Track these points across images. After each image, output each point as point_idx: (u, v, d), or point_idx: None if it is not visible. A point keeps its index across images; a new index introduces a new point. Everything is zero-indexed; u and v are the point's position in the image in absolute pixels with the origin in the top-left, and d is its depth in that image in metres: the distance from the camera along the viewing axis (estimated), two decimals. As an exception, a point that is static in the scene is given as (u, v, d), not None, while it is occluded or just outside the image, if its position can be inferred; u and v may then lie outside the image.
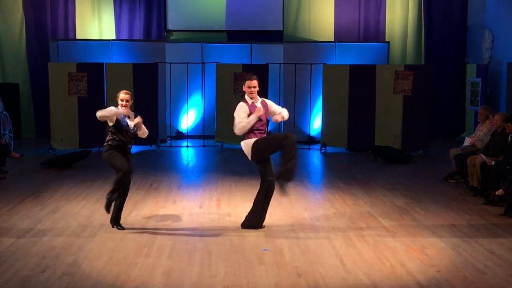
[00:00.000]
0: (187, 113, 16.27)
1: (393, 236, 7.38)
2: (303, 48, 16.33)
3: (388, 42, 16.72)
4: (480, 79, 15.28)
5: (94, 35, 16.86)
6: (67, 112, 14.01)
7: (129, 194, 9.54)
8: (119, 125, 7.49)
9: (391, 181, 10.87)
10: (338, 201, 9.31)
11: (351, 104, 14.32)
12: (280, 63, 15.57)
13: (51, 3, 16.73)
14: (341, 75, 14.40)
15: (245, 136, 7.52)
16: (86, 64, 14.50)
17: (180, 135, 16.27)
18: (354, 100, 14.32)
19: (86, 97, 14.07)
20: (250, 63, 16.20)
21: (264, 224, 7.71)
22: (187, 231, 7.57)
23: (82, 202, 9.13)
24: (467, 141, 10.78)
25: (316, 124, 15.83)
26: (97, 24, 16.95)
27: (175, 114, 16.43)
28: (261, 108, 7.47)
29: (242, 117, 7.48)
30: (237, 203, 9.15)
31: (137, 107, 14.40)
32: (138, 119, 7.59)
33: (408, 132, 14.00)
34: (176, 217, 8.27)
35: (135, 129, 7.64)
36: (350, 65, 14.62)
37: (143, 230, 7.60)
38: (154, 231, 7.55)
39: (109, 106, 7.79)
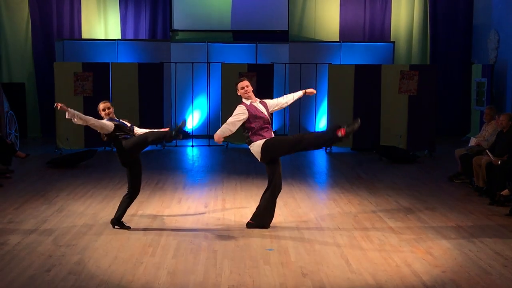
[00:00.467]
0: (192, 112, 16.29)
1: (398, 236, 7.37)
2: (308, 48, 16.33)
3: (394, 42, 16.71)
4: (486, 79, 15.25)
5: (100, 35, 16.90)
6: (72, 111, 14.02)
7: (134, 194, 9.61)
8: (121, 128, 7.50)
9: (396, 181, 10.86)
10: (343, 201, 9.30)
11: (356, 104, 14.32)
12: (285, 63, 15.57)
13: (57, 2, 16.79)
14: (347, 75, 14.39)
15: (252, 138, 7.43)
16: (92, 64, 14.54)
17: (186, 135, 16.25)
18: (359, 100, 14.31)
19: (92, 97, 14.10)
20: (255, 63, 16.21)
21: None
22: (192, 230, 7.58)
23: (88, 201, 9.15)
24: (473, 141, 10.76)
25: (321, 124, 15.82)
26: (102, 23, 16.99)
27: (180, 114, 16.44)
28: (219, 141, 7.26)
29: (234, 119, 7.38)
30: (242, 202, 9.16)
31: (142, 107, 14.54)
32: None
33: (413, 132, 13.99)
34: (181, 217, 8.27)
35: (133, 127, 7.66)
36: (356, 65, 14.62)
37: (148, 229, 7.61)
38: (159, 230, 7.56)
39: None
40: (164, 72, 14.96)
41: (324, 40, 17.03)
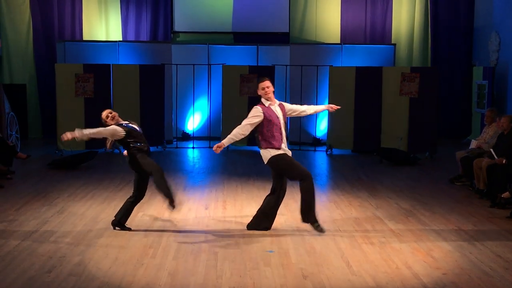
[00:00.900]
0: (193, 114, 16.29)
1: (399, 238, 7.37)
2: (309, 50, 16.34)
3: (395, 44, 16.71)
4: (487, 81, 15.25)
5: (101, 36, 16.92)
6: (73, 113, 14.04)
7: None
8: (132, 133, 7.43)
9: (397, 183, 10.86)
10: (344, 203, 9.30)
11: (357, 106, 14.32)
12: (286, 65, 15.58)
13: (58, 4, 16.80)
14: (348, 77, 14.39)
15: (261, 143, 7.37)
16: (93, 65, 14.55)
17: (186, 137, 16.29)
18: (360, 102, 14.31)
19: (93, 98, 14.12)
20: (256, 64, 16.22)
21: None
22: (193, 232, 7.58)
23: (89, 202, 9.15)
24: (474, 144, 10.75)
25: (322, 126, 15.82)
26: (104, 25, 17.01)
27: (181, 116, 16.45)
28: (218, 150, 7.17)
29: (248, 121, 7.36)
30: (243, 204, 9.16)
31: (143, 109, 14.55)
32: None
33: (414, 134, 13.98)
34: (182, 218, 8.27)
35: (141, 131, 7.64)
36: (357, 67, 14.62)
37: (149, 231, 7.61)
38: (160, 232, 7.56)
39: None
40: (165, 73, 14.96)
41: (325, 42, 17.03)
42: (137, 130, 7.53)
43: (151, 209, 8.75)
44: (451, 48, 17.23)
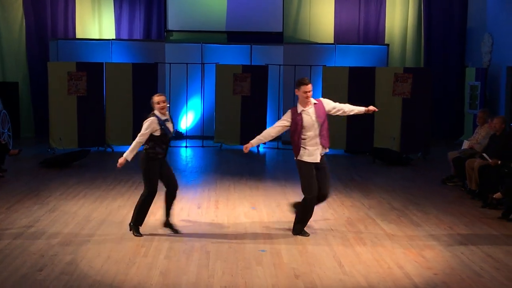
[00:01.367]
0: (186, 113, 16.28)
1: (391, 238, 7.39)
2: (302, 49, 16.35)
3: (388, 45, 16.75)
4: (479, 82, 15.30)
5: (94, 35, 16.88)
6: (66, 111, 14.01)
7: (127, 194, 9.61)
8: (165, 135, 7.28)
9: (390, 183, 10.88)
10: (337, 202, 9.31)
11: (350, 106, 14.31)
12: (279, 65, 15.59)
13: (51, 2, 16.75)
14: (341, 77, 14.41)
15: (292, 143, 7.36)
16: (86, 64, 14.52)
17: (179, 136, 16.28)
18: (353, 102, 14.23)
19: (85, 96, 14.09)
20: (250, 64, 16.22)
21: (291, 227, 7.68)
22: (185, 231, 7.57)
23: (81, 201, 9.13)
24: (466, 144, 10.79)
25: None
26: (97, 23, 16.97)
27: (175, 115, 16.42)
28: None
29: (279, 123, 7.41)
30: (235, 203, 9.16)
31: (136, 107, 14.52)
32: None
33: (407, 135, 14.01)
34: (174, 217, 8.25)
35: (173, 134, 7.52)
36: (350, 67, 14.64)
37: (140, 229, 7.60)
38: (152, 231, 7.55)
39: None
40: (159, 72, 14.94)
41: (319, 42, 17.05)
42: (167, 134, 7.32)
43: (144, 208, 8.72)
44: (444, 49, 17.28)
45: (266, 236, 7.42)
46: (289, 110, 7.45)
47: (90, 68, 14.29)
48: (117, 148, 14.41)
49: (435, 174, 11.59)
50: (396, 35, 17.29)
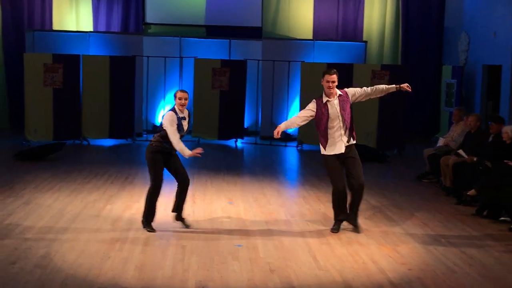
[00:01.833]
0: (163, 107, 16.20)
1: (366, 234, 7.43)
2: (281, 45, 16.36)
3: (366, 42, 16.83)
4: (456, 80, 15.45)
5: (71, 27, 16.71)
6: (41, 103, 13.87)
7: (103, 187, 9.54)
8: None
9: (366, 180, 10.89)
10: (313, 198, 9.35)
11: (328, 102, 14.35)
12: (258, 60, 15.58)
13: (28, -8, 16.54)
14: (319, 73, 14.28)
15: (319, 136, 7.35)
16: (62, 56, 14.37)
17: (157, 130, 16.17)
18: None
19: (61, 89, 13.95)
20: (228, 58, 16.19)
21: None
22: (161, 225, 7.53)
23: (56, 194, 9.05)
24: (441, 141, 10.89)
25: (292, 121, 15.83)
26: (74, 15, 16.80)
27: (152, 108, 16.35)
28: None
29: (303, 113, 7.38)
30: (212, 198, 9.15)
31: (113, 100, 14.42)
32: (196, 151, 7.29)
33: (383, 131, 14.10)
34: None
35: (185, 134, 7.52)
36: (328, 63, 14.65)
37: (116, 223, 7.56)
38: (127, 225, 7.51)
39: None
40: (136, 65, 14.84)
41: (298, 38, 17.07)
42: (179, 132, 7.36)
43: (119, 202, 8.69)
44: (421, 47, 17.40)
45: (243, 231, 7.42)
46: (314, 100, 7.45)
47: (66, 60, 14.15)
48: (93, 141, 14.32)
49: (411, 171, 11.67)
50: (374, 32, 17.38)
